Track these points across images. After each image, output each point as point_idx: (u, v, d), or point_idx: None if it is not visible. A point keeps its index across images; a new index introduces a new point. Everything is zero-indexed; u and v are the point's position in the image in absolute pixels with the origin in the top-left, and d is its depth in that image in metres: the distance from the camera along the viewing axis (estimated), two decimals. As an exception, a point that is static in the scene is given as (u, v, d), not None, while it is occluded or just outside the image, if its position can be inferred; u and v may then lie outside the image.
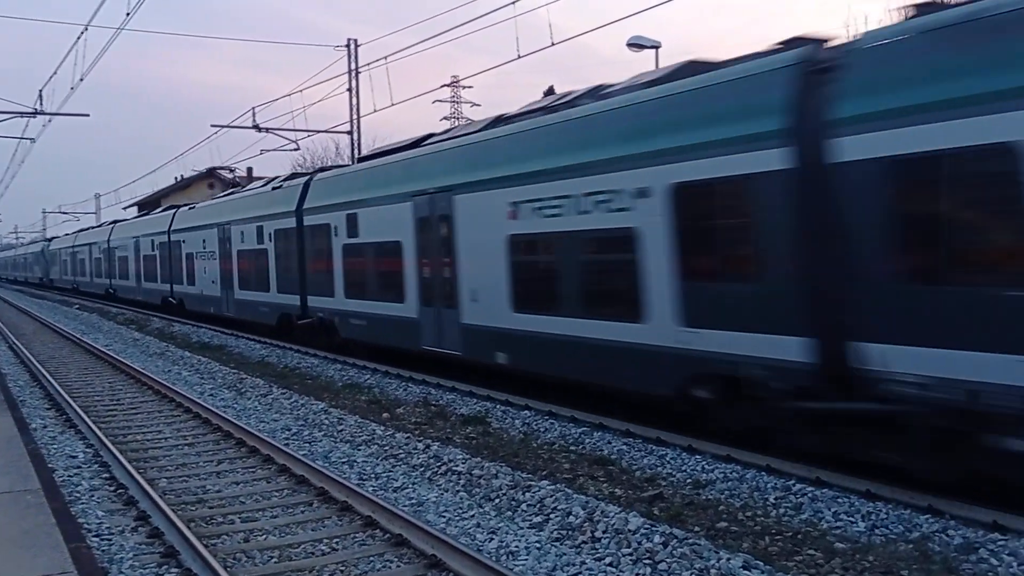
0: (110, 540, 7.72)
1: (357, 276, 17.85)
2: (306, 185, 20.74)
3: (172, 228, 31.72)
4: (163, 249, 32.88)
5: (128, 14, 21.00)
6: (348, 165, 22.28)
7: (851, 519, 7.59)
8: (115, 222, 48.55)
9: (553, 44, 20.36)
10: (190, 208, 31.76)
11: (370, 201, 17.14)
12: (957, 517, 7.38)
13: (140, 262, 37.19)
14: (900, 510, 7.64)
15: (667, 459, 9.83)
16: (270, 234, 22.05)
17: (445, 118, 72.02)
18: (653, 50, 23.74)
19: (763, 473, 8.99)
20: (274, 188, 23.02)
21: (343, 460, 10.55)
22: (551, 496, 8.29)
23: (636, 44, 23.42)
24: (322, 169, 22.06)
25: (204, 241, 27.68)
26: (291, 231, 20.78)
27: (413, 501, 8.76)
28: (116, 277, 42.87)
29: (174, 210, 33.66)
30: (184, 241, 30.04)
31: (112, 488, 9.51)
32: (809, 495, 8.21)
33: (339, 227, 18.27)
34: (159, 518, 8.10)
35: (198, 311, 29.34)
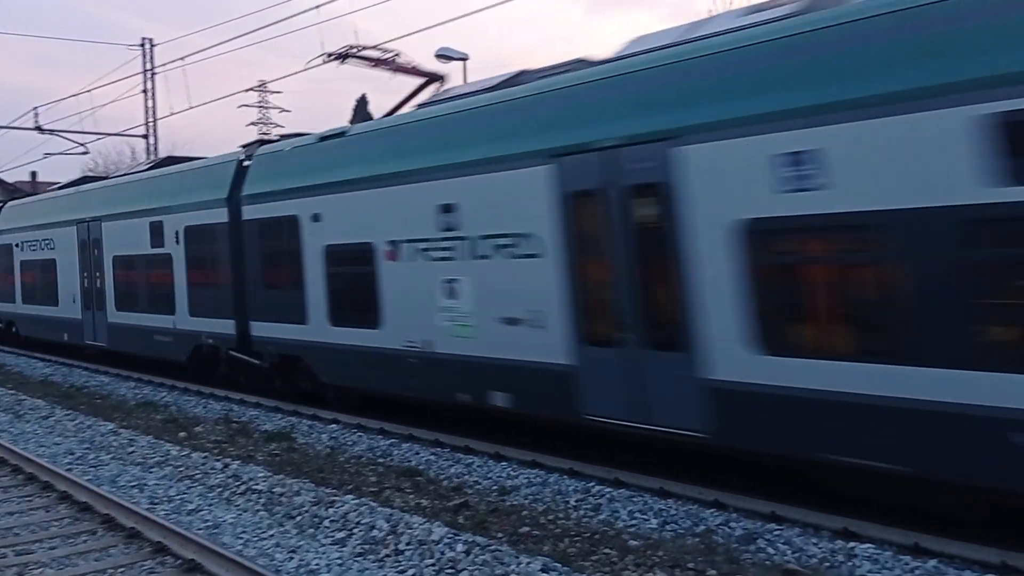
0: None
1: None
2: None
3: (245, 192, 14.44)
4: (209, 241, 15.43)
5: None
6: None
7: (644, 517, 7.93)
8: (13, 197, 28.48)
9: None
10: (340, 134, 12.99)
11: None
12: (740, 510, 7.88)
13: (102, 270, 18.99)
14: (689, 505, 8.07)
15: (474, 467, 9.91)
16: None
17: (252, 124, 69.44)
18: (461, 62, 23.98)
19: (565, 477, 9.24)
20: None
21: (133, 484, 9.92)
22: (355, 511, 8.15)
23: (444, 56, 23.57)
24: None
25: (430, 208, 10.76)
26: None
27: (209, 523, 8.35)
28: (34, 300, 22.70)
29: (246, 148, 15.60)
30: (320, 217, 12.62)
31: None
32: (607, 496, 8.51)
33: None
34: (-86, 558, 7.30)
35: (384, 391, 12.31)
